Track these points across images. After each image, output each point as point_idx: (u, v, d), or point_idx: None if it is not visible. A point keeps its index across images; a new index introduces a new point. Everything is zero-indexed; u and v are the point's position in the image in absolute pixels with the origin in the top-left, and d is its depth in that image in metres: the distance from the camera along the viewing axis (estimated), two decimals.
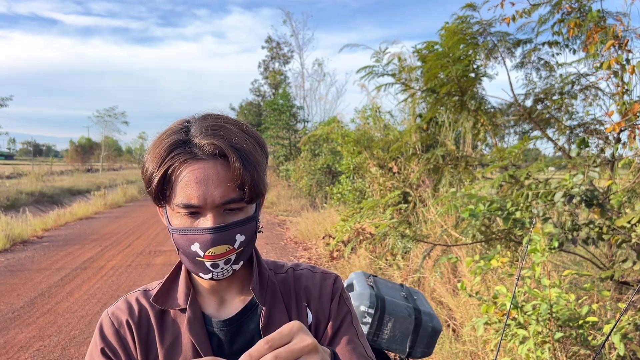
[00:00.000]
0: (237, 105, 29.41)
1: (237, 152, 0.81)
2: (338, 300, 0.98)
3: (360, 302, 1.18)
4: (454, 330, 4.14)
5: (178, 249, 0.87)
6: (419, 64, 5.15)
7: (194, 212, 0.82)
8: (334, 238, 7.25)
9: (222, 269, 0.86)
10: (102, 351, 0.91)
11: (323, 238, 8.37)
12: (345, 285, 1.32)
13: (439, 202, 4.61)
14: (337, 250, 7.54)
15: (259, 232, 0.92)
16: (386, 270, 6.08)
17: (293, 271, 1.02)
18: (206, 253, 0.83)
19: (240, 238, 0.85)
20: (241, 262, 0.88)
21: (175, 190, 0.82)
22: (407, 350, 1.18)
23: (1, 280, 6.34)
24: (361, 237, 6.48)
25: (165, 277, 0.98)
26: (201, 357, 0.88)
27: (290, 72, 29.85)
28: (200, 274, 0.87)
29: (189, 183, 0.80)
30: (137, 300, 0.96)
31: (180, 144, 0.82)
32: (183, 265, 0.97)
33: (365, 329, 1.17)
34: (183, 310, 0.93)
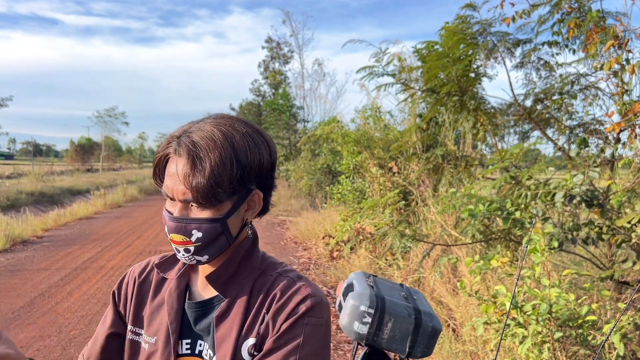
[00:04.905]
0: (237, 105, 29.45)
1: (194, 157, 0.88)
2: (294, 321, 0.92)
3: (360, 302, 1.18)
4: (454, 330, 4.14)
5: None
6: (419, 64, 5.15)
7: (172, 199, 0.93)
8: (334, 238, 7.25)
9: (183, 255, 0.95)
10: (113, 293, 1.10)
11: (323, 238, 8.38)
12: (345, 285, 1.32)
13: (438, 201, 4.62)
14: (337, 250, 7.54)
15: (234, 235, 0.96)
16: (386, 270, 6.08)
17: (278, 276, 1.00)
18: (169, 236, 0.94)
19: (197, 234, 0.92)
20: (206, 256, 0.95)
21: (164, 176, 0.94)
22: (407, 350, 1.18)
23: (1, 280, 6.34)
24: (361, 237, 6.49)
25: None
26: (174, 324, 0.99)
27: (290, 72, 29.79)
28: (175, 254, 0.98)
29: (167, 174, 0.93)
30: (152, 263, 1.10)
31: (175, 138, 0.93)
32: None
33: (365, 328, 1.16)
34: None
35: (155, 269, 1.08)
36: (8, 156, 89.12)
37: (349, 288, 1.27)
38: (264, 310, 0.96)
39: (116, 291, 1.10)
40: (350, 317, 1.16)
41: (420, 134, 5.87)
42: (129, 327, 1.06)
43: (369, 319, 1.15)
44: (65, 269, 7.01)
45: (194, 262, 0.96)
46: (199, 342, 0.99)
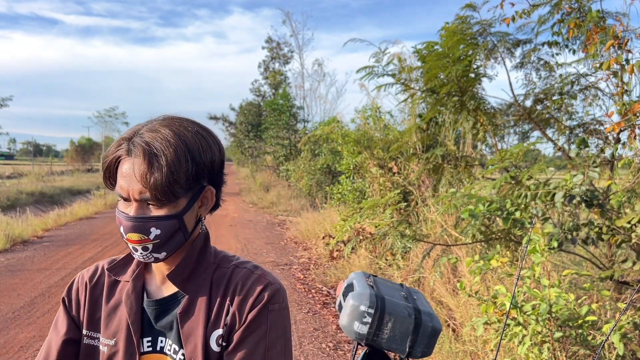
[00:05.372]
0: (237, 105, 29.39)
1: (150, 155, 0.91)
2: (259, 310, 0.99)
3: (360, 302, 1.18)
4: (453, 330, 4.14)
5: None
6: (419, 64, 5.15)
7: (126, 199, 0.95)
8: (334, 238, 7.25)
9: (141, 254, 0.97)
10: (63, 300, 1.10)
11: (323, 238, 8.38)
12: (345, 285, 1.32)
13: (439, 201, 4.62)
14: (337, 250, 7.54)
15: (189, 231, 0.99)
16: (386, 270, 6.08)
17: (235, 268, 1.05)
18: (126, 236, 0.95)
19: (155, 231, 0.94)
20: (164, 253, 0.97)
21: (116, 178, 0.96)
22: (407, 350, 1.18)
23: (1, 280, 6.34)
24: (361, 237, 6.49)
25: (128, 253, 1.08)
26: (136, 324, 1.01)
27: (290, 72, 29.71)
28: (132, 253, 0.99)
29: (121, 175, 0.94)
30: (102, 267, 1.12)
31: (126, 140, 0.95)
32: None
33: (365, 328, 1.17)
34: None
35: (107, 273, 1.10)
36: (8, 156, 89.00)
37: (349, 288, 1.27)
38: (227, 302, 1.00)
39: (66, 297, 1.10)
40: (350, 317, 1.16)
41: (420, 134, 5.87)
42: (84, 331, 1.07)
43: (369, 319, 1.15)
44: (66, 269, 7.01)
45: (152, 259, 0.98)
46: (160, 338, 1.02)
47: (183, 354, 1.00)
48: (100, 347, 1.04)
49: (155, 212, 0.94)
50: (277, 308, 1.01)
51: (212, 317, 1.00)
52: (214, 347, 0.99)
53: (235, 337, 0.98)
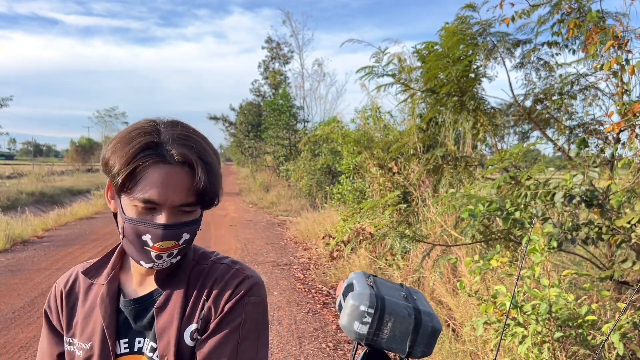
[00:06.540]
0: (237, 105, 29.37)
1: (204, 164, 0.92)
2: (235, 302, 0.98)
3: (360, 302, 1.18)
4: (453, 330, 4.14)
5: (125, 236, 0.97)
6: (418, 64, 5.15)
7: (152, 207, 0.91)
8: (334, 238, 7.25)
9: (163, 260, 0.95)
10: (45, 312, 1.11)
11: (323, 238, 8.38)
12: (345, 285, 1.32)
13: (438, 202, 4.62)
14: (337, 250, 7.54)
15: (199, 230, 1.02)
16: (386, 270, 6.08)
17: (213, 264, 1.05)
18: (155, 245, 0.93)
19: (185, 236, 0.95)
20: (179, 257, 0.98)
21: (138, 185, 0.90)
22: (407, 350, 1.18)
23: (1, 280, 6.34)
24: (361, 237, 6.49)
25: (104, 255, 1.11)
26: (110, 327, 1.00)
27: (290, 72, 29.66)
28: (142, 262, 0.96)
29: (156, 182, 0.90)
30: (77, 271, 1.11)
31: (152, 146, 0.91)
32: (119, 246, 1.08)
33: (365, 328, 1.17)
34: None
35: (82, 276, 1.09)
36: (8, 156, 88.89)
37: (349, 288, 1.27)
38: (203, 297, 1.00)
39: (47, 309, 1.10)
40: (350, 317, 1.17)
41: (420, 134, 5.87)
42: (65, 338, 1.07)
43: (369, 319, 1.15)
44: (66, 268, 6.98)
45: (167, 265, 0.98)
46: (138, 339, 1.02)
47: None
48: (76, 352, 1.03)
49: (186, 217, 0.95)
50: (254, 301, 1.01)
51: (187, 312, 1.00)
52: (188, 342, 0.98)
53: (210, 326, 0.98)
